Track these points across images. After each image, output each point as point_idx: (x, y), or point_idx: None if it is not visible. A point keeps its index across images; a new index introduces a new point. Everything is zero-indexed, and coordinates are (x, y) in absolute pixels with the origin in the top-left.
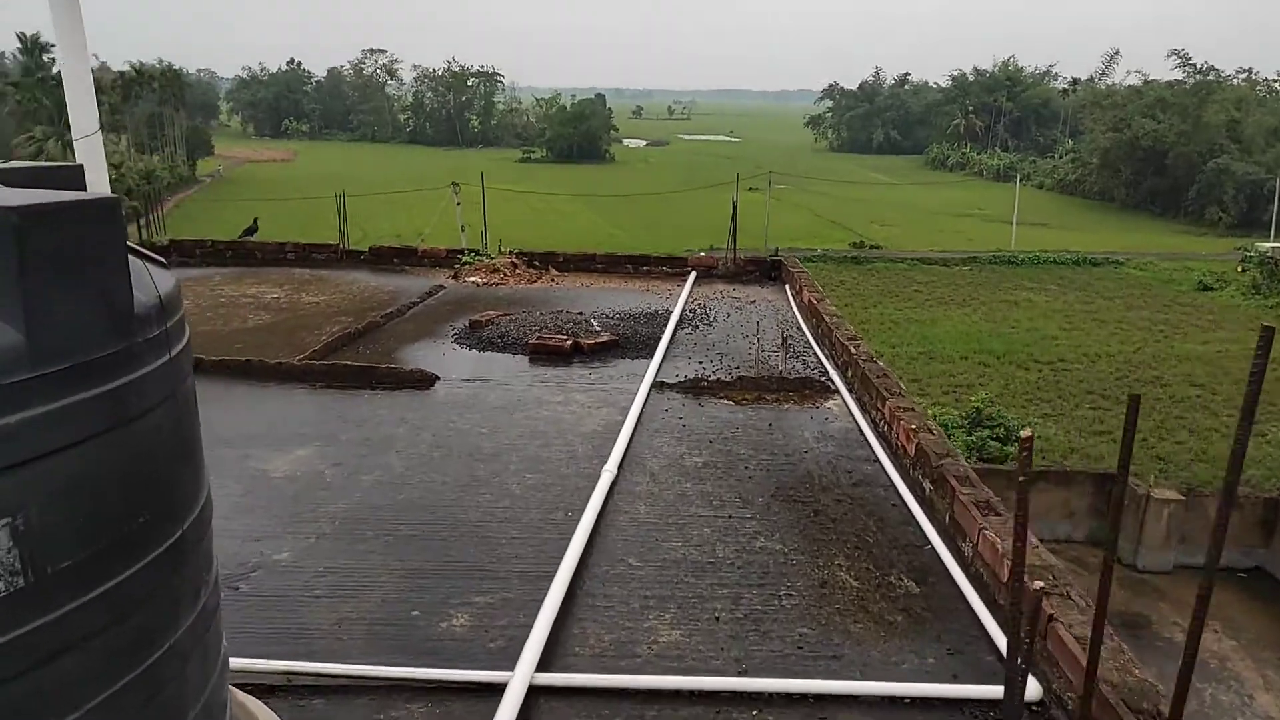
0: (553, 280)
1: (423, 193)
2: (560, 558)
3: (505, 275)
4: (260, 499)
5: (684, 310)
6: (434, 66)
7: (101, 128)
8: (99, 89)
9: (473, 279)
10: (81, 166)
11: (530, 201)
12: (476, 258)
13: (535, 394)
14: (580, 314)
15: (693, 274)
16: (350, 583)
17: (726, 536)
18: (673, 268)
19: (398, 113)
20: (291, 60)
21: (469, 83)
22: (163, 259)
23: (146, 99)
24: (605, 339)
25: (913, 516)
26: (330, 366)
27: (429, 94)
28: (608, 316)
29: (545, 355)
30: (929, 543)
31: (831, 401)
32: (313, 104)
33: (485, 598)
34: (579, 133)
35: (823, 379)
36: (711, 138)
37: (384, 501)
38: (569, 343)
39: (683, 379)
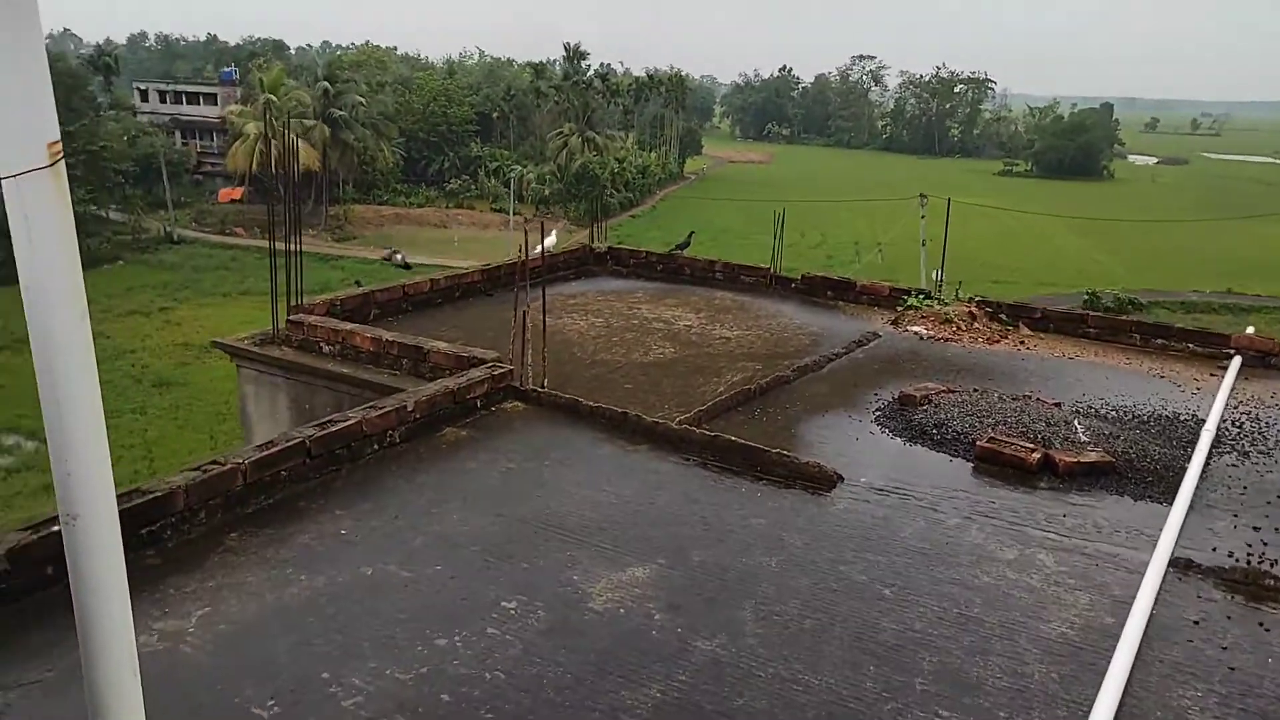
0: (1022, 342)
1: (889, 202)
2: None
3: (959, 329)
4: (559, 646)
5: (1224, 421)
6: (921, 73)
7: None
8: (617, 92)
9: (916, 329)
10: None
11: (1004, 219)
12: (925, 302)
13: (975, 536)
14: (1057, 405)
15: (1237, 359)
16: None
17: None
18: (1203, 344)
19: (876, 119)
20: (784, 67)
21: (956, 89)
22: None
23: (653, 102)
24: (1094, 457)
25: None
26: (713, 438)
27: (911, 100)
28: (1099, 414)
29: (998, 466)
30: None
31: None
32: (796, 109)
33: None
34: (1074, 145)
35: None
36: (1247, 158)
37: (712, 705)
38: (1036, 454)
39: (1227, 558)
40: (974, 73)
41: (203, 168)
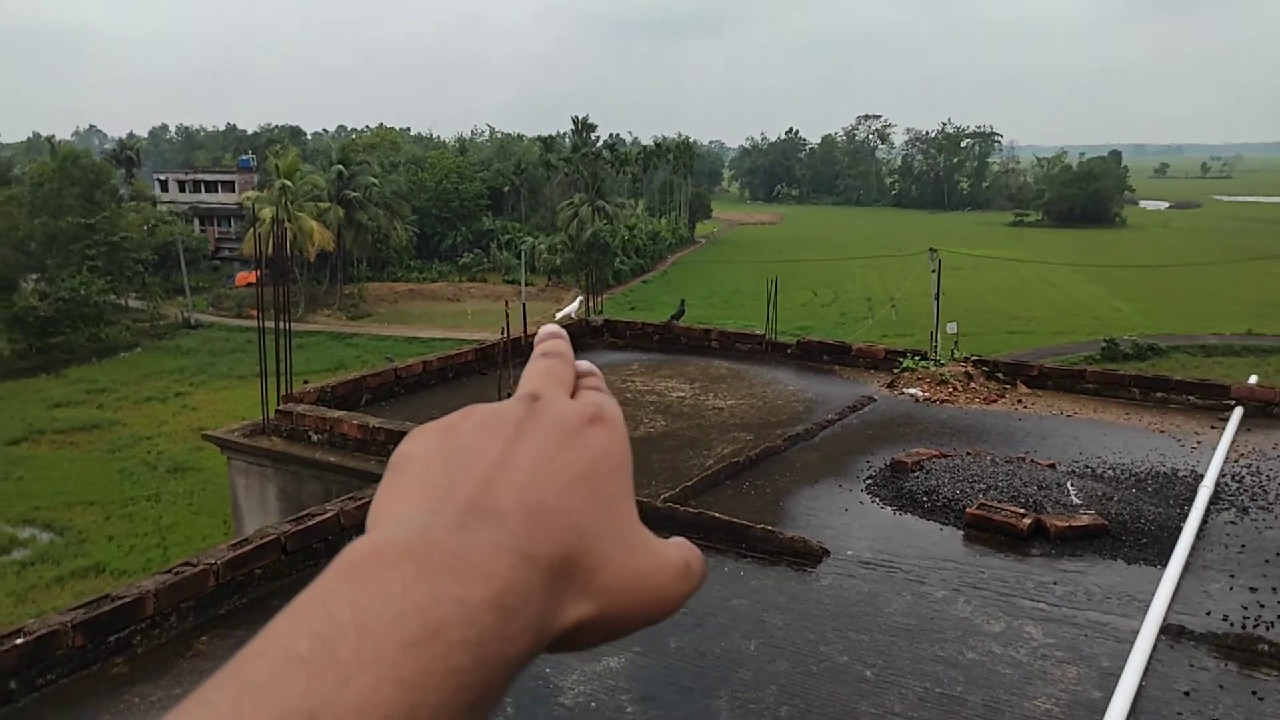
0: (1019, 401)
1: (901, 257)
2: None
3: (955, 389)
4: None
5: (1223, 476)
6: (927, 129)
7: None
8: (625, 161)
9: (912, 391)
10: None
11: (1018, 270)
12: (920, 363)
13: (961, 610)
14: (1052, 465)
15: (1238, 411)
16: None
17: None
18: (1204, 396)
19: (884, 176)
20: (790, 129)
21: (962, 144)
22: None
23: (662, 169)
24: (1086, 520)
25: None
26: (697, 515)
27: (919, 157)
28: (1094, 473)
29: (989, 534)
30: None
31: None
32: (804, 170)
33: None
34: (1084, 194)
35: None
36: (1260, 199)
37: None
38: (1027, 520)
39: (1222, 622)
40: (980, 127)
41: (221, 253)
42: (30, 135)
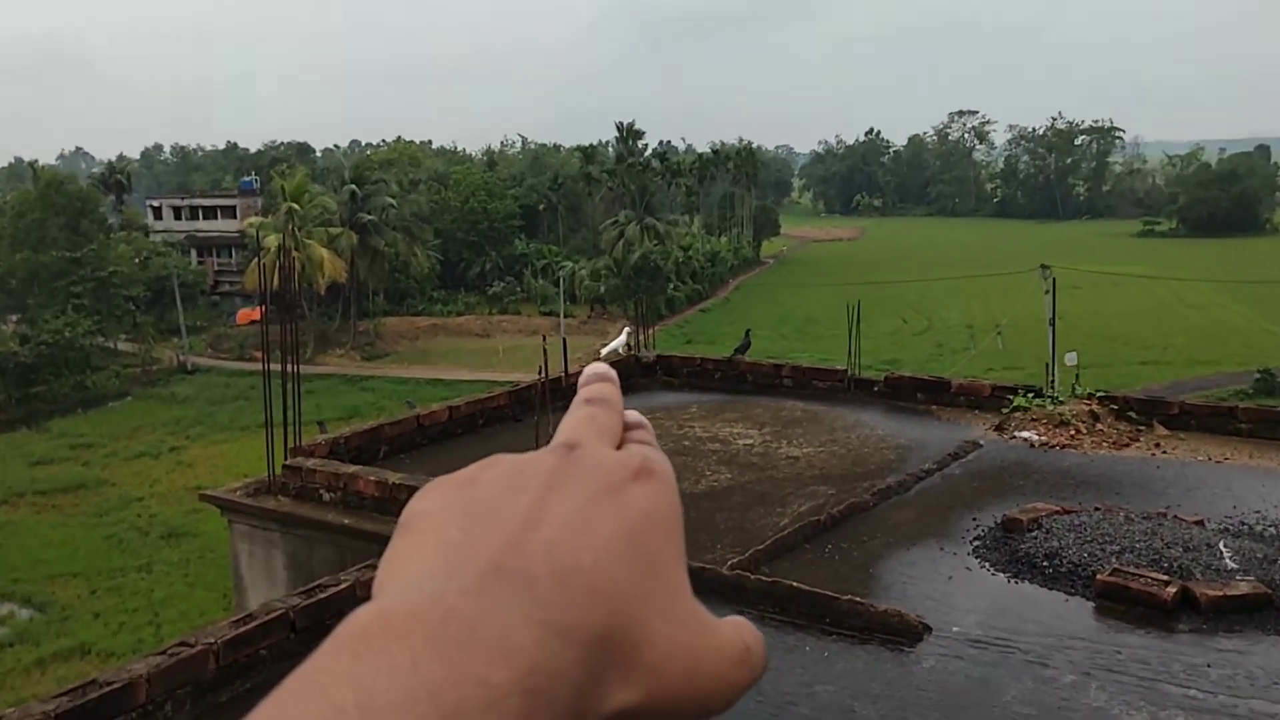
0: (1158, 445)
1: (1006, 275)
2: None
3: (1078, 431)
4: None
5: None
6: (1034, 125)
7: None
8: (678, 172)
9: (1025, 434)
10: None
11: (1149, 288)
12: (1035, 401)
13: (1093, 698)
14: (1199, 523)
15: None
16: None
17: None
18: None
19: (984, 181)
20: (870, 130)
21: (1076, 142)
22: None
23: (721, 179)
24: (1245, 588)
25: None
26: (771, 585)
27: (1024, 158)
28: (1252, 531)
29: (1125, 605)
30: None
31: None
32: (888, 176)
33: None
34: (1227, 197)
35: None
36: None
37: None
38: (1172, 589)
39: None
40: (1097, 121)
41: (220, 287)
42: (11, 160)
